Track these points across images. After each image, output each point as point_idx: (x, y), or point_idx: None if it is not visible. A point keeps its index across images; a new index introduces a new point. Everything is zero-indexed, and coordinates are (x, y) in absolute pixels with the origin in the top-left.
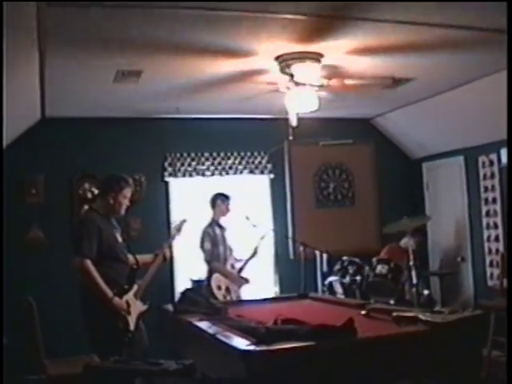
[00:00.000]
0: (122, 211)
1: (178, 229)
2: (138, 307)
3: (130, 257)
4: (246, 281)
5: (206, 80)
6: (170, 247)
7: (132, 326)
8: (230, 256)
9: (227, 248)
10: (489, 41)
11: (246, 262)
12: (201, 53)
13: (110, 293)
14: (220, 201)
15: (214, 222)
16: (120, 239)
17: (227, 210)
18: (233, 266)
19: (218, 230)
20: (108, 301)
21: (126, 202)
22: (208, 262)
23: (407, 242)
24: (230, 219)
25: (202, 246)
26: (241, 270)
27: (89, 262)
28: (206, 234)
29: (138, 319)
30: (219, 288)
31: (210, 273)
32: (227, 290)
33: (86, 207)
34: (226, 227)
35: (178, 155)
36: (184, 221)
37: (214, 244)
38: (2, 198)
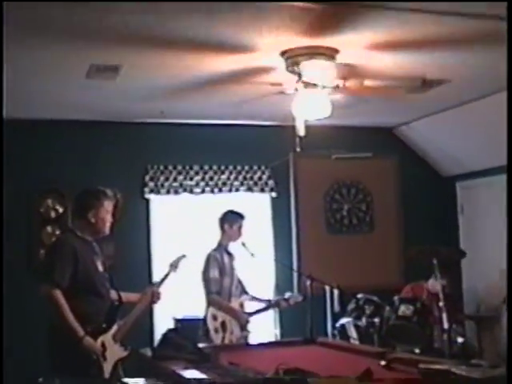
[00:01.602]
0: (107, 230)
1: (175, 265)
2: (116, 352)
3: (112, 292)
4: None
5: (197, 79)
6: (160, 286)
7: (107, 374)
8: (237, 291)
9: (234, 281)
10: None
11: (265, 308)
12: (191, 46)
13: (80, 331)
14: (231, 221)
15: (222, 247)
16: (101, 268)
17: (239, 233)
18: (241, 305)
19: (226, 258)
20: (77, 340)
21: (109, 219)
22: (211, 294)
23: (434, 282)
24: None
25: (205, 275)
26: (252, 314)
27: (58, 293)
28: (212, 260)
29: (116, 366)
30: (215, 326)
31: (208, 307)
32: (224, 328)
33: (49, 229)
34: (234, 255)
35: (162, 168)
36: (183, 256)
37: (220, 273)
38: (1, 198)
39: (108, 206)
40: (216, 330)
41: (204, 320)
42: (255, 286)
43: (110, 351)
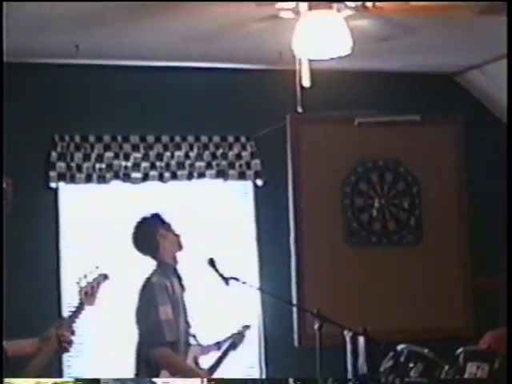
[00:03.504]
0: None
1: (92, 293)
2: None
3: None
4: None
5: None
6: (72, 325)
7: None
8: (190, 341)
9: (187, 318)
10: None
11: (223, 355)
12: None
13: None
14: (164, 228)
15: (168, 267)
16: None
17: (177, 236)
18: (196, 361)
19: (176, 285)
20: None
21: None
22: (162, 346)
23: None
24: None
25: (150, 315)
26: (213, 368)
27: None
28: (160, 289)
29: None
30: None
31: (155, 369)
32: None
33: None
34: (183, 279)
35: (78, 138)
36: (104, 277)
37: (173, 311)
38: (1, 196)
39: None
40: None
41: None
42: (230, 331)
43: None
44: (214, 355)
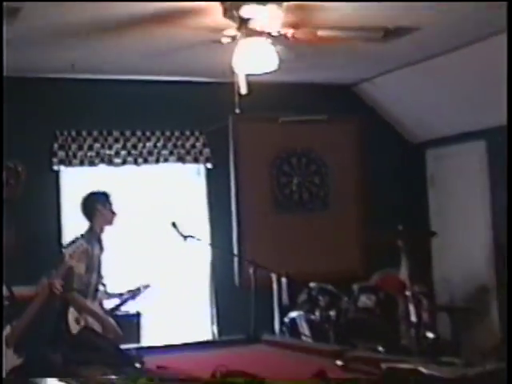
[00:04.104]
0: None
1: (76, 257)
2: (8, 359)
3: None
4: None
5: (117, 23)
6: (64, 275)
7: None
8: (99, 290)
9: (100, 277)
10: None
11: (125, 300)
12: None
13: None
14: (101, 204)
15: (94, 235)
16: None
17: (113, 214)
18: (101, 305)
19: (96, 249)
20: None
21: None
22: (71, 291)
23: (400, 268)
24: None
25: (66, 267)
26: (114, 309)
27: None
28: (82, 253)
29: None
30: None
31: (65, 307)
32: None
33: None
34: (104, 245)
35: (74, 133)
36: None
37: (87, 269)
38: (1, 194)
39: None
40: None
41: (65, 320)
42: (188, 274)
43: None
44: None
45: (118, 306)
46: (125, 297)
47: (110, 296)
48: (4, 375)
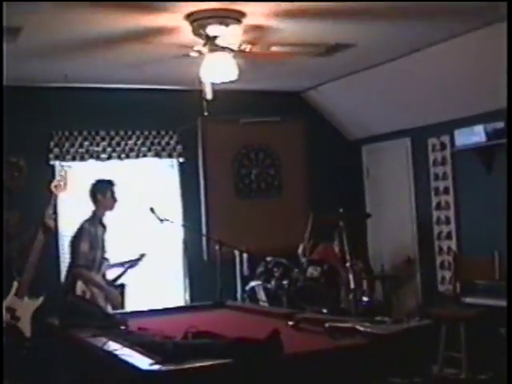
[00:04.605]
0: None
1: (63, 183)
2: (28, 306)
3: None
4: (121, 303)
5: (102, 39)
6: (51, 213)
7: (28, 333)
8: (103, 263)
9: (104, 253)
10: (441, 4)
11: (123, 272)
12: (96, 4)
13: None
14: (103, 190)
15: (97, 218)
16: None
17: (114, 200)
18: (104, 276)
19: (99, 230)
20: None
21: None
22: (79, 267)
23: (342, 240)
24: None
25: (75, 246)
26: (115, 279)
27: None
28: (85, 233)
29: (34, 319)
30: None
31: (73, 281)
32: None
33: None
34: (107, 226)
35: (67, 133)
36: (68, 169)
37: (91, 247)
38: (1, 193)
39: None
40: None
41: (73, 293)
42: (164, 251)
43: (21, 309)
44: (119, 271)
45: (120, 275)
46: (126, 266)
47: (112, 266)
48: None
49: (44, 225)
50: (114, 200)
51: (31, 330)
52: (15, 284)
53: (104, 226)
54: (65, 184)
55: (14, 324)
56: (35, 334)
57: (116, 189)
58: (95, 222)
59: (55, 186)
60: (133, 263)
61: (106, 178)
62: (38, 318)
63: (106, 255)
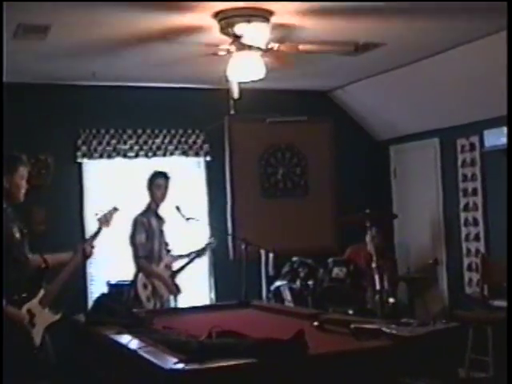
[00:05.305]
0: (21, 196)
1: (106, 220)
2: (45, 317)
3: (35, 256)
4: (178, 290)
5: (129, 38)
6: (92, 242)
7: (38, 341)
8: (165, 254)
9: (163, 244)
10: (471, 4)
11: (189, 262)
12: (124, 4)
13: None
14: (158, 182)
15: (150, 210)
16: (18, 235)
17: (165, 193)
18: (167, 266)
19: (154, 221)
20: None
21: (23, 185)
22: (139, 258)
23: (369, 241)
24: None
25: (132, 239)
26: (178, 271)
27: None
28: (139, 224)
29: (46, 332)
30: (147, 295)
31: (138, 273)
32: (155, 295)
33: None
34: (164, 218)
35: (95, 131)
36: (115, 209)
37: (148, 238)
38: (1, 192)
39: (23, 171)
40: (148, 299)
41: (134, 287)
42: (190, 250)
43: (40, 317)
44: (182, 262)
45: (185, 266)
46: (192, 256)
47: (175, 258)
48: (44, 327)
49: (83, 250)
50: (165, 194)
51: (40, 340)
52: (42, 291)
53: (160, 218)
54: (107, 222)
55: (28, 329)
56: (42, 345)
57: (172, 184)
58: (149, 213)
59: (99, 220)
60: (200, 252)
61: (163, 170)
62: (49, 332)
63: (169, 247)
